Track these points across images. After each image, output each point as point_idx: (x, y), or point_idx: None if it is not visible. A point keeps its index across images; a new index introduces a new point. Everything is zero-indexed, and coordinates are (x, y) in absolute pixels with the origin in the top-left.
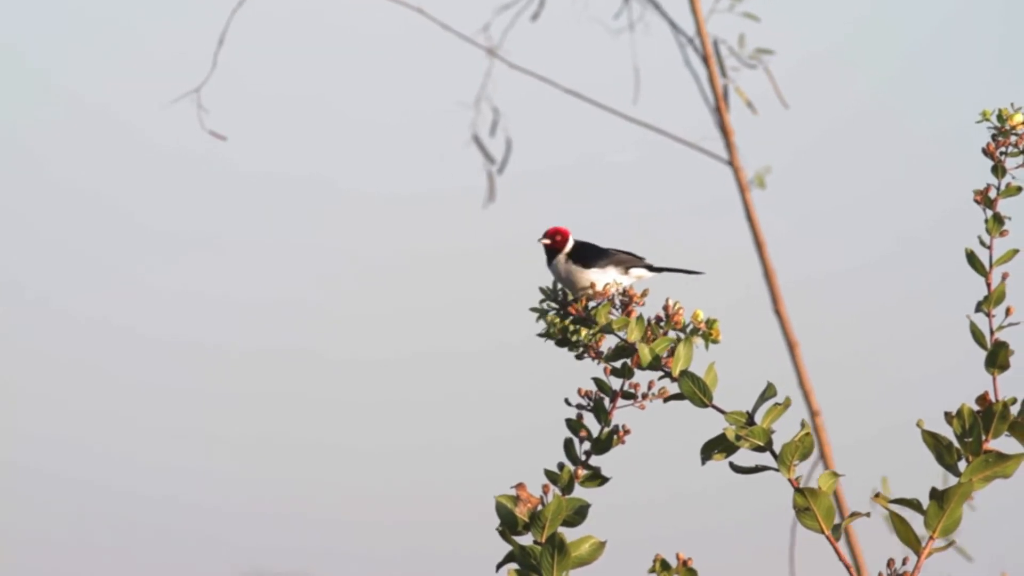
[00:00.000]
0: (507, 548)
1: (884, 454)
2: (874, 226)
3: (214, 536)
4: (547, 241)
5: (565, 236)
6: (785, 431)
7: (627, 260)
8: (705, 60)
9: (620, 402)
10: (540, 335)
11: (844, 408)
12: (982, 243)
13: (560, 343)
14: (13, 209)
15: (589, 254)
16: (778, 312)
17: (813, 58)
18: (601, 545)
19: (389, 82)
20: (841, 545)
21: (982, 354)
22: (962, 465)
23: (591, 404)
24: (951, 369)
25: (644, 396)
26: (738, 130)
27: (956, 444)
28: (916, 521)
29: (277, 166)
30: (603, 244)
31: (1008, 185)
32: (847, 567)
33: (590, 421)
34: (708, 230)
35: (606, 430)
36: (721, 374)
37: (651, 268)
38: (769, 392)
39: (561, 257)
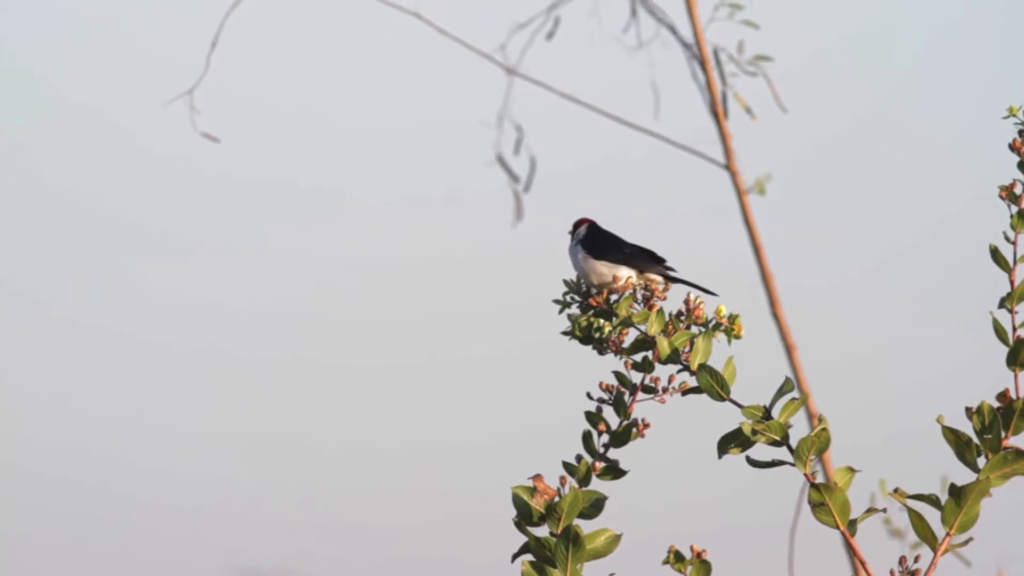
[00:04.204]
0: (512, 549)
1: (882, 457)
2: (871, 231)
3: (207, 536)
4: (571, 229)
5: (581, 223)
6: (795, 429)
7: (642, 264)
8: (703, 66)
9: (640, 396)
10: (564, 333)
11: (843, 411)
12: (1006, 239)
13: (584, 340)
14: (10, 213)
15: (602, 245)
16: (776, 315)
17: (806, 64)
18: (617, 538)
19: (402, 96)
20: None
21: (1004, 350)
22: (981, 461)
23: (611, 398)
24: (969, 366)
25: (664, 390)
26: (738, 135)
27: (976, 440)
28: (930, 517)
29: (286, 173)
30: (627, 240)
31: None
32: (862, 562)
33: (610, 416)
34: (709, 233)
35: (624, 423)
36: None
37: (667, 276)
38: (786, 387)
39: (576, 244)
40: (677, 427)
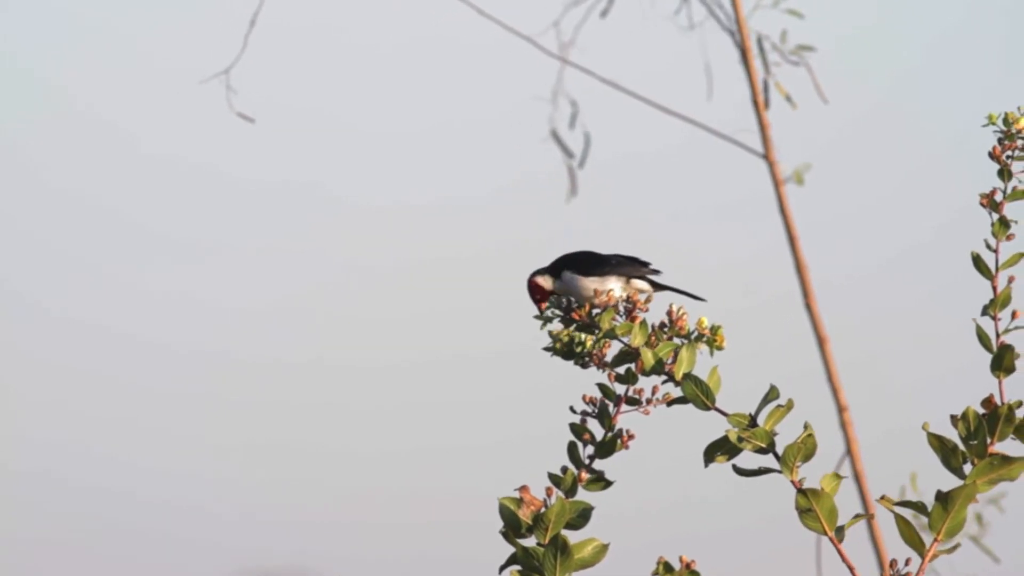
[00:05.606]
0: (508, 551)
1: (913, 451)
2: (882, 230)
3: (207, 536)
4: (542, 304)
5: (540, 288)
6: (792, 432)
7: (628, 271)
8: (744, 54)
9: (624, 407)
10: (545, 349)
11: (874, 404)
12: (988, 247)
13: (566, 356)
14: (10, 213)
15: (587, 263)
16: (809, 307)
17: (834, 54)
18: (604, 548)
19: (439, 91)
20: (867, 543)
21: (988, 357)
22: (967, 468)
23: (595, 410)
24: (958, 372)
25: (648, 401)
26: (774, 125)
27: (961, 447)
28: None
29: (286, 173)
30: (605, 252)
31: (1014, 188)
32: (850, 568)
33: (595, 427)
34: (744, 224)
35: (610, 434)
36: (746, 373)
37: (654, 283)
38: (772, 394)
39: (563, 275)
40: (665, 436)
